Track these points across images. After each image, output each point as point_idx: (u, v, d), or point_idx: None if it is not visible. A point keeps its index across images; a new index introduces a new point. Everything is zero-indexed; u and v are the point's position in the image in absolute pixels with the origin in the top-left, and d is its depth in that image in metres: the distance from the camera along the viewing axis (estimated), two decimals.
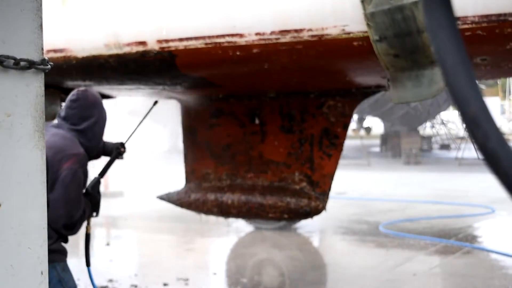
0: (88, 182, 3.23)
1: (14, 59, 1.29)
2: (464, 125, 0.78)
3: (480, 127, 0.76)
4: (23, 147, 1.32)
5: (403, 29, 3.39)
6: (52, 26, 4.29)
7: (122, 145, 3.66)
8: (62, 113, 3.21)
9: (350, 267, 6.86)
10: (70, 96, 3.26)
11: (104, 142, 3.64)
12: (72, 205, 2.95)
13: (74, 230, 3.02)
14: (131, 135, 3.83)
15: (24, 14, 1.32)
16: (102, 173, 3.44)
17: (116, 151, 3.60)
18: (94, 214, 3.33)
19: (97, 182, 3.31)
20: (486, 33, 3.41)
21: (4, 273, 1.31)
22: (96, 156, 3.55)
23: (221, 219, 7.30)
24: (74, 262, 4.00)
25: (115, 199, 12.71)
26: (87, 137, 3.17)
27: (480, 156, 0.79)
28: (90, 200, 3.23)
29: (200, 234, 8.94)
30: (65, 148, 2.98)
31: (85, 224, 3.28)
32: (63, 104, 5.98)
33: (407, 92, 3.68)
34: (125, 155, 3.68)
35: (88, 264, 3.41)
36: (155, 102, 4.07)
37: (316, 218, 6.24)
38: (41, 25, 1.33)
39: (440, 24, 0.79)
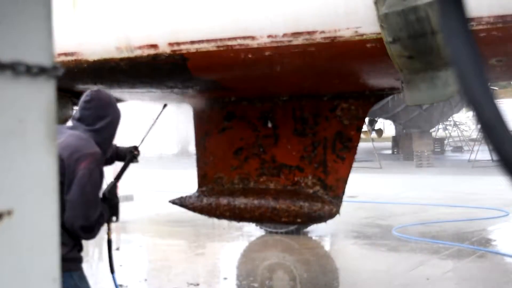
0: (104, 186, 3.22)
1: (26, 65, 1.27)
2: (479, 129, 0.78)
3: (495, 131, 0.76)
4: (35, 153, 1.31)
5: (417, 31, 3.35)
6: (63, 30, 4.28)
7: (136, 148, 3.66)
8: (77, 115, 3.21)
9: (362, 271, 6.81)
10: (83, 97, 3.24)
11: (117, 147, 3.63)
12: (89, 205, 2.89)
13: (92, 233, 2.96)
14: (144, 138, 3.83)
15: (35, 20, 1.31)
16: (118, 177, 3.45)
17: (131, 155, 3.59)
18: (114, 218, 3.31)
19: (113, 186, 3.30)
20: (501, 34, 3.36)
21: (16, 280, 1.30)
22: (110, 161, 3.55)
23: (231, 223, 7.29)
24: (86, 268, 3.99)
25: (125, 203, 12.71)
26: (102, 137, 3.15)
27: (495, 160, 0.79)
28: (108, 204, 3.21)
29: (210, 238, 8.92)
30: (81, 148, 2.96)
31: (105, 229, 3.26)
32: (75, 107, 6.00)
33: (422, 94, 3.63)
34: (139, 158, 3.67)
35: (112, 270, 3.38)
36: (165, 105, 4.06)
37: (328, 221, 6.20)
38: (52, 31, 1.32)
39: (454, 28, 0.78)
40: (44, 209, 1.31)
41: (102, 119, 3.15)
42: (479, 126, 0.77)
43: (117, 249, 8.46)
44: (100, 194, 3.11)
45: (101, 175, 3.01)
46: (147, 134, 3.86)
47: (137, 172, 17.34)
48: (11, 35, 1.23)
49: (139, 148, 3.70)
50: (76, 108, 6.16)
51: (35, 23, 1.27)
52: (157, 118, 3.91)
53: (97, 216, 2.95)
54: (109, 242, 3.36)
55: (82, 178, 2.86)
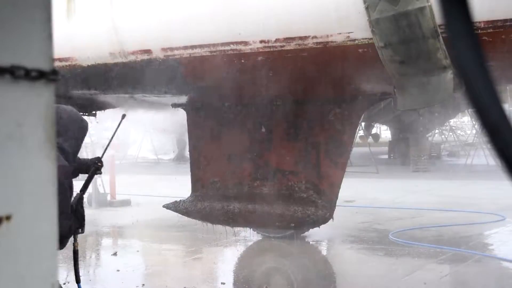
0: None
1: (25, 69, 1.29)
2: (484, 133, 0.78)
3: (500, 135, 0.76)
4: (34, 158, 1.33)
5: (408, 35, 3.40)
6: (56, 35, 4.32)
7: (99, 159, 3.68)
8: None
9: (359, 276, 6.82)
10: None
11: (79, 159, 3.65)
12: (61, 217, 2.89)
13: (61, 245, 2.98)
14: (106, 149, 3.87)
15: (35, 24, 1.33)
16: (83, 189, 3.47)
17: (94, 167, 3.61)
18: (80, 230, 3.32)
19: (80, 198, 3.33)
20: (492, 39, 3.41)
21: (15, 284, 1.32)
22: (74, 175, 3.56)
23: (228, 228, 7.29)
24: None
25: (122, 208, 12.70)
26: (64, 152, 3.16)
27: (500, 164, 0.79)
28: (76, 216, 3.23)
29: (207, 243, 8.93)
30: None
31: (71, 240, 3.28)
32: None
33: (413, 99, 3.67)
34: (102, 169, 3.69)
35: (78, 280, 3.42)
36: (123, 116, 4.02)
37: (324, 226, 6.21)
38: (51, 35, 1.34)
39: (459, 31, 0.78)
40: (43, 214, 1.33)
41: (63, 135, 3.16)
42: (483, 129, 0.77)
43: (115, 254, 8.46)
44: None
45: (70, 188, 3.06)
46: (108, 145, 3.90)
47: (134, 178, 17.31)
48: (10, 39, 1.26)
49: (102, 160, 3.71)
50: None
51: (34, 27, 1.29)
52: (117, 129, 3.94)
53: (66, 228, 3.00)
54: (75, 253, 3.40)
55: None
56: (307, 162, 5.10)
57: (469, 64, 0.77)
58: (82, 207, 3.32)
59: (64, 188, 2.95)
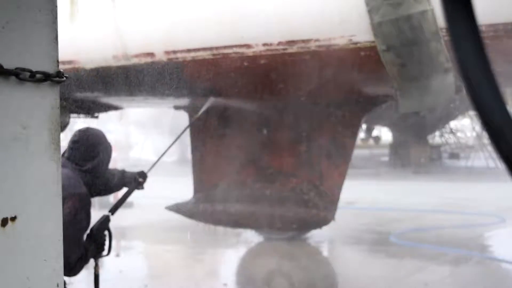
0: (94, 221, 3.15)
1: (30, 71, 1.30)
2: (487, 135, 0.77)
3: (503, 137, 0.75)
4: (39, 159, 1.33)
5: (410, 39, 3.41)
6: (60, 38, 4.33)
7: (142, 174, 3.58)
8: (66, 153, 3.14)
9: (360, 277, 6.82)
10: (72, 136, 3.19)
11: (124, 172, 3.56)
12: (69, 247, 2.84)
13: (72, 272, 2.92)
14: (154, 165, 3.75)
15: (40, 27, 1.33)
16: (114, 209, 3.37)
17: (135, 182, 3.51)
18: (104, 253, 3.23)
19: (105, 220, 3.21)
20: (491, 42, 3.42)
21: (20, 285, 1.33)
22: (117, 188, 3.50)
23: (230, 230, 7.30)
24: None
25: (125, 209, 12.68)
26: (92, 176, 3.10)
27: (503, 166, 0.78)
28: (94, 241, 3.13)
29: (209, 244, 8.92)
30: (67, 187, 2.82)
31: (93, 264, 3.21)
32: (72, 115, 6.03)
33: (415, 102, 3.69)
34: (144, 185, 3.56)
35: None
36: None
37: (326, 228, 6.22)
38: (56, 38, 1.35)
39: (463, 33, 0.77)
40: (48, 215, 1.33)
41: (91, 160, 3.10)
42: (486, 131, 0.76)
43: (117, 255, 8.46)
44: (88, 230, 3.05)
45: (87, 217, 2.95)
46: (158, 161, 3.82)
47: None
48: (16, 42, 1.27)
49: (147, 174, 3.61)
50: (73, 116, 6.20)
51: (40, 30, 1.30)
52: (176, 140, 3.86)
53: (77, 256, 2.90)
54: (96, 277, 3.32)
55: (65, 217, 2.80)
56: (309, 164, 5.11)
57: (472, 66, 0.76)
58: (108, 229, 3.19)
59: (76, 219, 2.86)
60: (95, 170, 3.11)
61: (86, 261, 3.04)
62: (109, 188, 3.50)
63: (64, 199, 2.74)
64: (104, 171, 3.21)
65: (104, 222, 3.21)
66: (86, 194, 2.98)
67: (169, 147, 3.95)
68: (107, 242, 3.25)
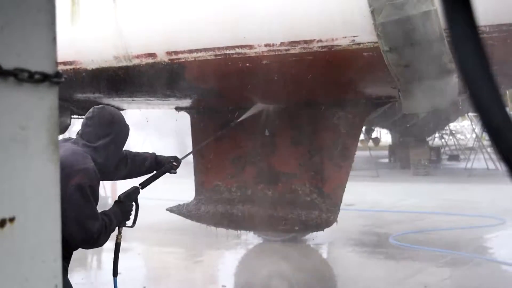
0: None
1: (29, 72, 1.27)
2: (487, 136, 0.77)
3: (504, 138, 0.75)
4: (37, 160, 1.31)
5: (413, 40, 3.39)
6: (61, 39, 4.31)
7: (176, 159, 3.58)
8: (80, 130, 3.13)
9: (359, 279, 6.81)
10: (87, 113, 3.16)
11: (157, 156, 3.57)
12: (85, 220, 2.84)
13: (96, 243, 2.91)
14: (190, 153, 3.73)
15: (38, 27, 1.31)
16: (144, 184, 3.36)
17: (169, 164, 3.51)
18: (128, 223, 3.24)
19: (134, 191, 3.22)
20: (495, 43, 3.40)
21: (18, 286, 1.30)
22: (149, 170, 3.51)
23: (230, 232, 7.29)
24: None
25: None
26: (101, 155, 3.05)
27: (503, 167, 0.78)
28: (121, 209, 3.14)
29: (208, 246, 8.91)
30: (73, 163, 2.86)
31: (116, 233, 3.20)
32: (73, 116, 6.01)
33: (418, 103, 3.67)
34: (177, 170, 3.57)
35: (115, 274, 3.35)
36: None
37: (325, 230, 6.19)
38: (55, 38, 1.33)
39: (463, 33, 0.77)
40: (46, 216, 1.31)
41: (102, 138, 3.05)
42: (487, 132, 0.76)
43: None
44: (111, 201, 3.05)
45: (93, 191, 2.92)
46: (194, 150, 3.79)
47: (135, 181, 17.28)
48: (14, 42, 1.24)
49: (180, 160, 3.60)
50: (74, 116, 6.17)
51: (38, 30, 1.27)
52: (220, 134, 3.82)
53: (98, 227, 2.87)
54: (117, 246, 3.32)
55: (73, 195, 2.77)
56: (311, 166, 5.09)
57: (472, 67, 0.76)
58: (135, 201, 3.21)
59: (84, 193, 2.83)
60: (105, 148, 3.06)
61: (111, 230, 3.01)
62: (142, 170, 3.50)
63: (68, 176, 2.76)
64: (116, 151, 3.16)
65: (133, 192, 3.22)
66: (92, 169, 2.92)
67: (201, 145, 3.92)
68: (133, 213, 3.26)
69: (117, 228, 3.18)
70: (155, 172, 3.53)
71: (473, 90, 0.77)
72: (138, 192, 3.27)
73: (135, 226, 3.33)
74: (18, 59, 1.24)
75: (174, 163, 3.55)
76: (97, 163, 3.00)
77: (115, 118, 3.16)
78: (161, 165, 3.54)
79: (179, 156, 3.72)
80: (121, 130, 3.16)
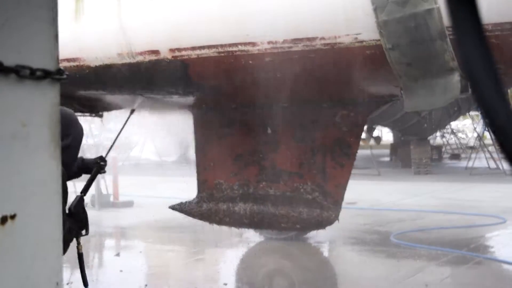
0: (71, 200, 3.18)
1: (30, 69, 1.26)
2: (492, 135, 0.77)
3: (508, 137, 0.75)
4: (39, 157, 1.30)
5: (416, 37, 3.38)
6: (64, 35, 4.31)
7: (102, 159, 3.61)
8: None
9: (361, 278, 6.80)
10: None
11: (83, 159, 3.59)
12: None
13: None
14: (110, 148, 3.80)
15: (40, 24, 1.30)
16: (85, 190, 3.39)
17: (97, 166, 3.54)
18: (83, 232, 3.24)
19: (80, 199, 3.23)
20: (499, 42, 3.39)
21: (19, 284, 1.29)
22: (77, 175, 3.51)
23: (231, 230, 7.28)
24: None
25: (125, 209, 12.69)
26: (64, 157, 3.07)
27: (508, 165, 0.78)
28: (75, 219, 3.15)
29: (209, 244, 8.91)
30: None
31: (75, 243, 3.22)
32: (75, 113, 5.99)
33: (420, 100, 3.66)
34: (106, 168, 3.62)
35: (85, 284, 3.36)
36: (132, 111, 4.02)
37: (326, 228, 6.19)
38: (57, 35, 1.32)
39: (468, 32, 0.77)
40: (47, 213, 1.30)
41: (62, 140, 3.06)
42: (492, 131, 0.76)
43: (117, 255, 8.45)
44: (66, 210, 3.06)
45: (64, 192, 2.87)
46: (113, 144, 3.84)
47: (137, 179, 17.25)
48: (15, 39, 1.23)
49: (105, 159, 3.64)
50: (77, 114, 6.16)
51: (40, 27, 1.26)
52: (125, 123, 3.87)
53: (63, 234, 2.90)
54: (80, 256, 3.33)
55: None
56: (313, 164, 5.08)
57: (476, 65, 0.76)
58: (83, 209, 3.22)
59: None
60: (66, 151, 3.00)
61: (70, 239, 3.03)
62: (71, 175, 3.51)
63: None
64: (75, 152, 3.18)
65: (79, 201, 3.23)
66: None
67: None
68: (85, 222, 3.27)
69: (75, 239, 3.19)
70: (89, 176, 3.55)
71: (477, 88, 0.77)
72: (83, 200, 3.29)
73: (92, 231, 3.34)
74: (19, 56, 1.23)
75: (102, 163, 3.58)
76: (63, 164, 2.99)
77: (72, 120, 3.18)
78: (89, 168, 3.57)
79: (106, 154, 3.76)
80: (78, 131, 3.19)
